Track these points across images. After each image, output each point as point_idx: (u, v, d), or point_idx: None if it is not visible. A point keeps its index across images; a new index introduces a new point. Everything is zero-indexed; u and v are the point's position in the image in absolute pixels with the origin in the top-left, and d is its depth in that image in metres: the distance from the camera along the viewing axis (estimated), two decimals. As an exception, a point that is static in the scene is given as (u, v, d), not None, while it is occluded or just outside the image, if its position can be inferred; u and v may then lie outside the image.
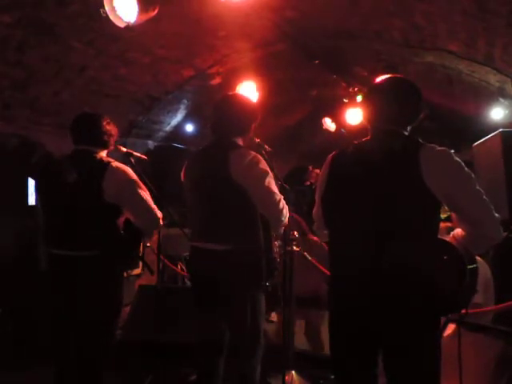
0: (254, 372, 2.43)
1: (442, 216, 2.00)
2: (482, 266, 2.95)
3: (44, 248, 2.51)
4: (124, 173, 2.39)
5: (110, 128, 2.49)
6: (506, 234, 2.90)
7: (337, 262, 1.90)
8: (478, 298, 2.72)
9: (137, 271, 4.86)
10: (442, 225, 1.92)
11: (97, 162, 2.38)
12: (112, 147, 2.55)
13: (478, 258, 2.11)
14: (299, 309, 3.37)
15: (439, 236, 1.78)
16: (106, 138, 2.46)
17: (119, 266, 2.48)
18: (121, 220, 2.46)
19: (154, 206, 2.46)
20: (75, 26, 3.21)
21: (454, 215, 1.82)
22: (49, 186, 2.49)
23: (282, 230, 2.58)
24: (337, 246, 1.91)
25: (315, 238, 3.56)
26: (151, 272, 2.78)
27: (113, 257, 2.37)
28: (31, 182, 3.95)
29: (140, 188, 2.42)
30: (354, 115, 5.52)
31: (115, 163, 2.40)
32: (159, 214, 2.48)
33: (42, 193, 2.57)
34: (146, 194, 2.44)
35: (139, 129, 4.99)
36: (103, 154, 2.48)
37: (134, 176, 2.43)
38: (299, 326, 3.73)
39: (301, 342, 3.73)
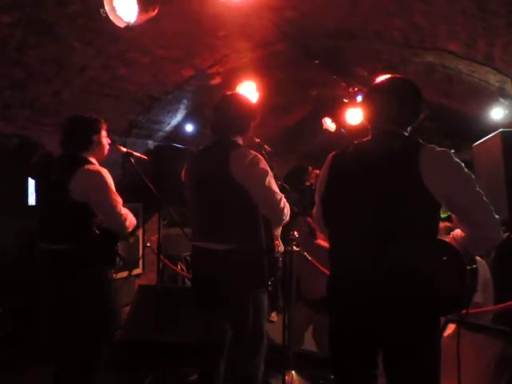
0: (258, 372, 2.44)
1: (442, 216, 2.00)
2: (481, 265, 2.95)
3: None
4: (94, 175, 2.45)
5: (89, 131, 2.55)
6: (507, 234, 2.90)
7: (337, 262, 1.90)
8: (477, 298, 2.72)
9: (137, 271, 4.87)
10: (441, 225, 1.92)
11: (73, 163, 2.46)
12: (96, 148, 2.60)
13: (477, 258, 2.11)
14: (308, 311, 3.37)
15: (439, 236, 1.78)
16: (82, 141, 2.53)
17: (96, 262, 2.50)
18: (97, 219, 2.51)
19: (122, 211, 2.51)
20: (75, 26, 3.21)
21: (453, 216, 1.82)
22: (37, 184, 2.70)
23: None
24: (337, 246, 1.90)
25: (322, 243, 3.53)
26: (124, 262, 2.84)
27: (86, 252, 2.43)
28: (31, 182, 3.95)
29: (109, 192, 2.47)
30: (354, 115, 5.51)
31: (89, 166, 2.47)
32: (128, 220, 2.53)
33: (35, 191, 2.73)
34: (114, 199, 2.48)
35: (139, 129, 4.99)
36: (85, 155, 2.53)
37: (105, 179, 2.46)
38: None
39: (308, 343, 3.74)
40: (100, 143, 2.60)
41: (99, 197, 2.44)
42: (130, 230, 2.60)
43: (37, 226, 2.61)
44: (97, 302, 2.45)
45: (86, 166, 2.45)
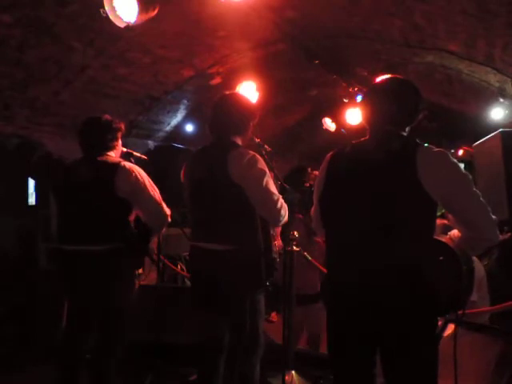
0: (254, 371, 2.43)
1: (438, 213, 2.00)
2: (476, 264, 2.95)
3: (53, 245, 2.58)
4: (135, 171, 2.48)
5: (115, 130, 2.57)
6: (509, 234, 2.90)
7: (334, 262, 1.90)
8: (472, 297, 2.72)
9: (138, 271, 4.86)
10: (438, 222, 1.91)
11: (107, 162, 2.46)
12: (117, 146, 2.61)
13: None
14: (299, 307, 3.37)
15: (436, 234, 1.78)
16: (108, 141, 2.54)
17: (131, 262, 2.53)
18: (132, 217, 2.53)
19: (162, 203, 2.55)
20: (75, 26, 3.21)
21: (450, 216, 1.82)
22: (62, 185, 2.58)
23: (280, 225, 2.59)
24: (334, 245, 1.90)
25: (319, 240, 3.54)
26: (153, 261, 2.86)
27: (125, 251, 2.43)
28: (31, 182, 3.96)
29: (150, 185, 2.51)
30: (354, 115, 5.52)
31: (124, 162, 2.49)
32: (167, 210, 2.57)
33: (55, 192, 2.64)
34: (155, 191, 2.52)
35: (139, 129, 5.00)
36: (111, 154, 2.55)
37: (143, 174, 2.51)
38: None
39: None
40: (119, 142, 2.63)
41: (144, 191, 2.46)
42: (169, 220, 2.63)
43: (39, 227, 2.59)
44: (118, 299, 2.50)
45: (123, 163, 2.46)
